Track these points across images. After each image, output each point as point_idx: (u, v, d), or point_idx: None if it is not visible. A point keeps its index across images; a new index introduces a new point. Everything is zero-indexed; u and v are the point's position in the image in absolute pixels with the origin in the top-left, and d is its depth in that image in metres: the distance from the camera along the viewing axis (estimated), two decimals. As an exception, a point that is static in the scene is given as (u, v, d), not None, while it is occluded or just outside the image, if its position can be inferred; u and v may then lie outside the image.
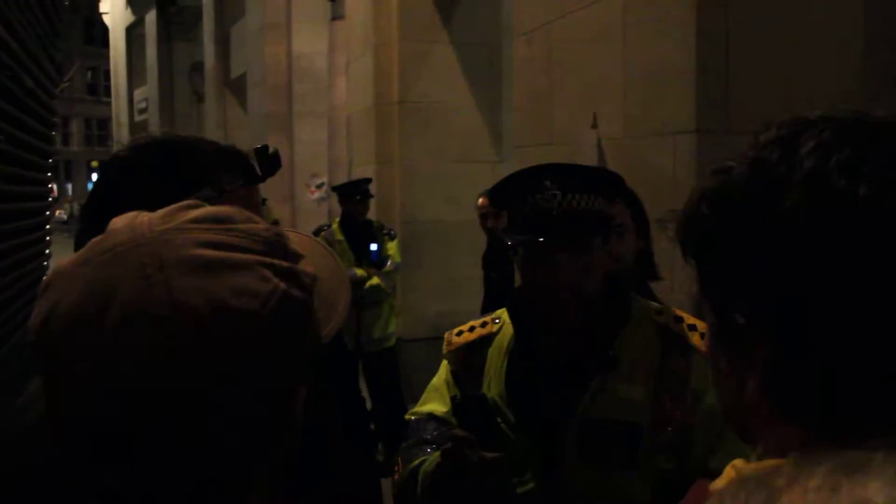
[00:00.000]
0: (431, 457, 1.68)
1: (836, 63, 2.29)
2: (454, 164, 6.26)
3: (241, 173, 1.18)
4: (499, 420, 1.66)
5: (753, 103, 2.16)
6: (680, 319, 1.67)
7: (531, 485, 1.67)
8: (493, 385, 1.74)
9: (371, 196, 5.61)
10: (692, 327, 1.65)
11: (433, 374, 1.91)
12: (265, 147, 1.24)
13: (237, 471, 0.67)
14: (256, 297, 0.64)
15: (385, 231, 5.62)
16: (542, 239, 1.65)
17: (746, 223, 0.66)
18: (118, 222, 0.69)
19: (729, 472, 0.66)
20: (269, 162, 1.24)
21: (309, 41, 10.42)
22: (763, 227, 0.65)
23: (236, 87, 12.81)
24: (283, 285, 0.66)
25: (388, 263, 5.49)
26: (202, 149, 1.18)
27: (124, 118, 20.12)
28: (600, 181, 1.69)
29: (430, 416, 1.82)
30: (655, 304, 1.75)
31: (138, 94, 19.58)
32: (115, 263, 0.65)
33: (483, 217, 5.28)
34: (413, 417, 1.87)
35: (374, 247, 5.44)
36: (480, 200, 5.28)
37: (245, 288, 0.64)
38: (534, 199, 1.67)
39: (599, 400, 1.63)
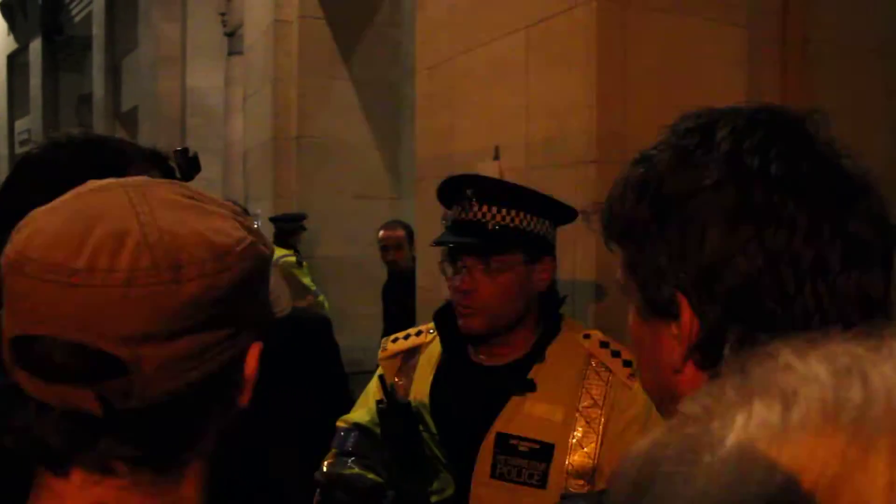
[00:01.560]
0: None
1: (723, 92, 2.41)
2: (352, 200, 6.25)
3: (162, 174, 1.17)
4: (421, 429, 1.67)
5: (650, 135, 2.25)
6: (605, 345, 1.71)
7: (448, 493, 1.68)
8: (419, 394, 1.76)
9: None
10: (616, 353, 1.69)
11: None
12: (185, 150, 1.25)
13: (184, 420, 0.67)
14: (231, 237, 0.68)
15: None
16: (451, 245, 1.67)
17: (670, 203, 0.70)
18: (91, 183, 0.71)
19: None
20: (189, 164, 1.24)
21: (204, 76, 10.26)
22: (685, 206, 0.69)
23: (127, 121, 12.46)
24: (251, 237, 0.70)
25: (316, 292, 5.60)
26: (122, 149, 1.17)
27: (4, 149, 19.22)
28: (530, 201, 1.71)
29: (355, 426, 1.83)
30: (584, 330, 1.79)
31: (20, 124, 18.78)
32: (100, 195, 0.68)
33: (384, 250, 5.29)
34: (340, 426, 1.86)
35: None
36: (381, 233, 5.29)
37: (221, 228, 0.68)
38: (455, 205, 1.69)
39: (516, 418, 1.65)
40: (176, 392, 0.65)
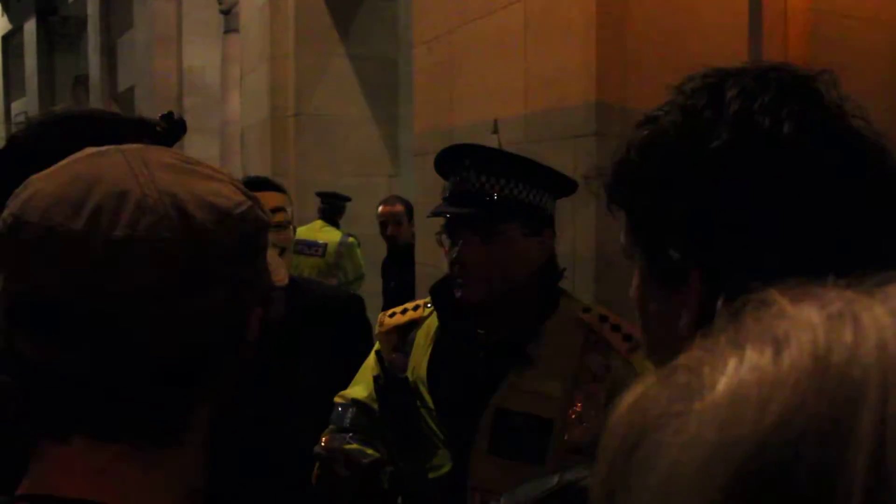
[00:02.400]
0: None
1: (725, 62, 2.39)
2: (350, 177, 6.22)
3: (153, 142, 1.17)
4: (419, 404, 1.66)
5: (651, 106, 2.23)
6: (604, 319, 1.69)
7: (446, 469, 1.67)
8: (417, 369, 1.74)
9: None
10: (615, 327, 1.67)
11: None
12: (170, 113, 1.25)
13: (184, 384, 0.67)
14: (230, 200, 0.68)
15: None
16: (448, 215, 1.65)
17: (679, 164, 0.69)
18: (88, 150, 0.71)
19: None
20: (174, 127, 1.23)
21: (200, 54, 10.19)
22: (694, 167, 0.68)
23: (124, 101, 12.40)
24: (249, 202, 0.70)
25: None
26: (114, 121, 1.17)
27: (1, 131, 19.17)
28: (529, 171, 1.69)
29: (353, 402, 1.82)
30: (583, 303, 1.77)
31: (16, 106, 18.70)
32: (100, 159, 0.67)
33: (383, 225, 5.28)
34: (339, 402, 1.85)
35: None
36: (380, 209, 5.28)
37: (220, 191, 0.68)
38: (453, 176, 1.67)
39: (514, 393, 1.64)
40: (176, 354, 0.65)
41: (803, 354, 0.32)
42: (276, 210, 2.22)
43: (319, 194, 5.79)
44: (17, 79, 18.20)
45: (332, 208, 5.75)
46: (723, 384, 0.33)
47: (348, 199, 5.81)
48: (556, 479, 0.86)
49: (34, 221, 0.62)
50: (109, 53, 12.70)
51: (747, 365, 0.33)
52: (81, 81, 15.20)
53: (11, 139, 1.17)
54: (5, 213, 0.65)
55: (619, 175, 0.76)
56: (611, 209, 0.79)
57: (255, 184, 2.27)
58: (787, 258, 0.64)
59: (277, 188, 2.35)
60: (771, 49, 2.58)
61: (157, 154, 0.69)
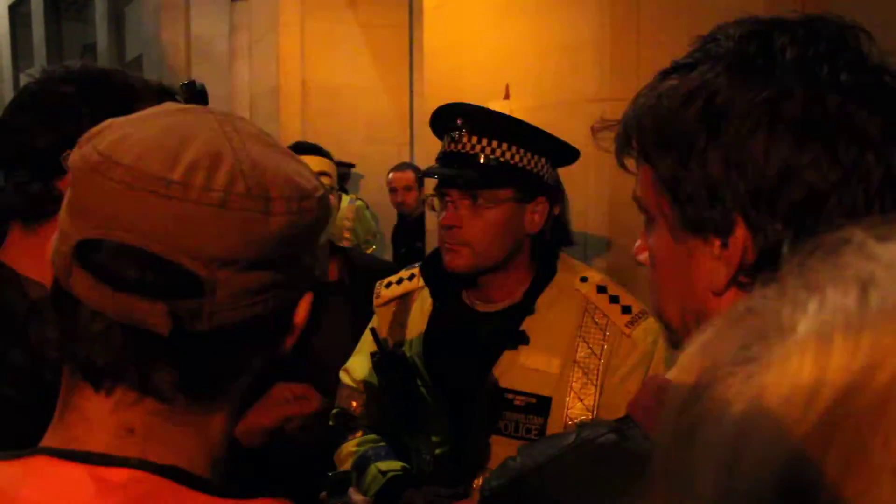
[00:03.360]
0: (374, 471, 1.65)
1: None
2: (361, 145, 6.20)
3: None
4: (418, 382, 1.62)
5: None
6: (603, 289, 1.64)
7: (446, 447, 1.64)
8: (413, 344, 1.71)
9: None
10: (614, 299, 1.63)
11: None
12: (192, 82, 1.24)
13: (232, 354, 0.67)
14: (311, 182, 0.68)
15: None
16: (436, 176, 1.61)
17: (726, 113, 0.66)
18: None
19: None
20: (196, 96, 1.23)
21: (208, 22, 10.10)
22: (747, 115, 0.66)
23: (132, 70, 12.27)
24: (323, 188, 0.71)
25: None
26: (129, 83, 1.16)
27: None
28: (525, 136, 1.63)
29: (352, 389, 1.79)
30: (582, 272, 1.71)
31: (24, 75, 18.62)
32: (190, 115, 0.67)
33: (393, 192, 5.27)
34: (344, 382, 1.83)
35: None
36: (391, 175, 5.27)
37: (302, 172, 0.68)
38: (447, 136, 1.62)
39: (512, 370, 1.60)
40: (236, 324, 0.64)
41: (894, 294, 0.30)
42: (320, 175, 2.22)
43: None
44: (24, 48, 18.12)
45: (338, 175, 5.77)
46: (804, 326, 0.31)
47: (352, 166, 5.82)
48: (573, 436, 0.86)
49: (127, 164, 0.61)
50: (117, 22, 12.63)
51: (830, 306, 0.31)
52: (89, 50, 15.13)
53: (25, 90, 1.16)
54: (87, 148, 0.63)
55: (644, 124, 0.72)
56: (621, 161, 0.77)
57: (301, 148, 2.27)
58: (841, 213, 0.63)
59: (322, 153, 2.34)
60: (789, 6, 2.54)
61: (243, 123, 0.69)
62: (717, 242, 0.69)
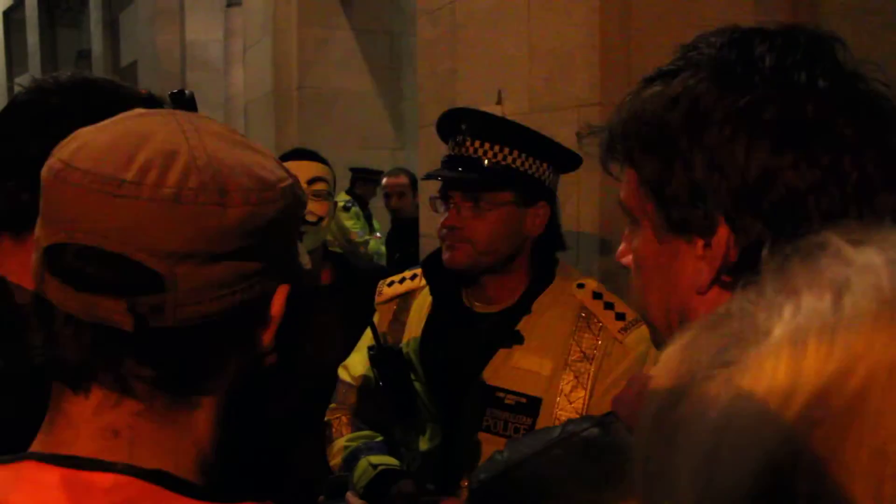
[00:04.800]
0: (365, 464, 1.65)
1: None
2: (355, 150, 6.21)
3: None
4: (413, 377, 1.65)
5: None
6: (599, 296, 1.67)
7: (437, 442, 1.66)
8: (411, 341, 1.74)
9: None
10: (609, 305, 1.65)
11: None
12: (181, 91, 1.24)
13: (207, 348, 0.68)
14: (273, 174, 0.69)
15: None
16: (440, 178, 1.64)
17: (709, 117, 0.68)
18: None
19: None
20: (185, 105, 1.23)
21: (203, 28, 10.13)
22: (728, 119, 0.67)
23: (127, 76, 12.34)
24: (290, 179, 0.71)
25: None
26: (116, 91, 1.16)
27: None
28: (528, 141, 1.65)
29: (350, 386, 1.82)
30: (579, 279, 1.74)
31: (18, 82, 18.60)
32: (150, 118, 0.68)
33: (387, 197, 5.28)
34: (342, 378, 1.86)
35: None
36: (385, 180, 5.28)
37: (264, 164, 0.69)
38: (451, 140, 1.66)
39: (504, 370, 1.63)
40: (204, 317, 0.65)
41: (867, 299, 0.30)
42: (315, 180, 2.23)
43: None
44: (18, 54, 18.12)
45: (364, 183, 5.84)
46: (779, 331, 0.31)
47: (380, 173, 5.88)
48: (558, 430, 0.87)
49: (83, 168, 0.63)
50: (112, 28, 12.63)
51: (805, 310, 0.31)
52: (84, 56, 15.13)
53: (14, 102, 1.16)
54: (51, 159, 0.65)
55: (628, 129, 0.74)
56: (606, 166, 0.78)
57: (298, 153, 2.28)
58: (818, 215, 0.64)
59: (319, 159, 2.35)
60: (777, 16, 2.56)
61: (207, 122, 0.70)
62: (701, 243, 0.70)
